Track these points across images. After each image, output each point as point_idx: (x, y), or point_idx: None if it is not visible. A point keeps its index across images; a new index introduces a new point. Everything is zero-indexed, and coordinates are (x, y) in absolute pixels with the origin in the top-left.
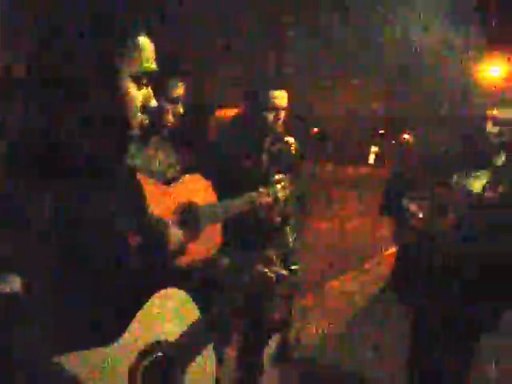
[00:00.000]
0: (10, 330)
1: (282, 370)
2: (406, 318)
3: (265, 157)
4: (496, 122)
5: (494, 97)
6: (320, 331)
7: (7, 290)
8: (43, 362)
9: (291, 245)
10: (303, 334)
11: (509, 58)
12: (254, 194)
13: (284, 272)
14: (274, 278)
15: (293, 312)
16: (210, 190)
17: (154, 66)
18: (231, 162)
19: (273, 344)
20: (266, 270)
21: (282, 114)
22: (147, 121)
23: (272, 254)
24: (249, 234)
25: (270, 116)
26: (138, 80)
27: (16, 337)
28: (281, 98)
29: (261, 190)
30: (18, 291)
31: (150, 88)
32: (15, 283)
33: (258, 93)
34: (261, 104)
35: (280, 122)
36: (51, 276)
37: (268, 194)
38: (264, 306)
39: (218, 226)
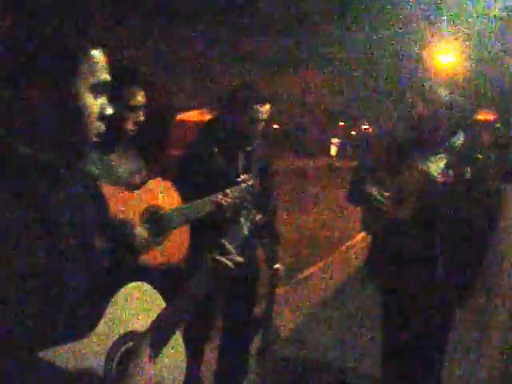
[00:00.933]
0: None
1: (266, 365)
2: (380, 300)
3: (240, 157)
4: (448, 106)
5: (440, 82)
6: (296, 321)
7: None
8: (22, 357)
9: (246, 233)
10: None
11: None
12: (219, 195)
13: (240, 259)
14: (230, 265)
15: (274, 308)
16: (175, 193)
17: (107, 76)
18: (209, 162)
19: (257, 340)
20: (222, 259)
21: (262, 124)
22: (104, 128)
23: (226, 242)
24: (203, 225)
25: (253, 128)
26: (93, 90)
27: None
28: (266, 111)
29: (227, 190)
30: None
31: (105, 97)
32: None
33: (247, 106)
34: (247, 117)
35: (259, 131)
36: (24, 278)
37: (233, 194)
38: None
39: (187, 228)
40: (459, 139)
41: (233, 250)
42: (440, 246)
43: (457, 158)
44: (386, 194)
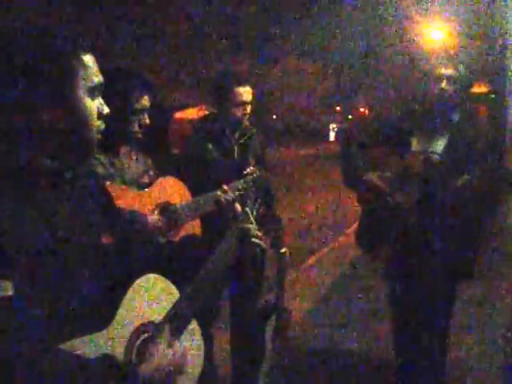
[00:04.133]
0: (6, 331)
1: (281, 348)
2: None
3: (236, 150)
4: (450, 80)
5: (442, 57)
6: (304, 306)
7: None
8: (45, 350)
9: (253, 223)
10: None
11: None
12: (218, 192)
13: (261, 233)
14: (259, 242)
15: (284, 292)
16: (184, 189)
17: (101, 78)
18: (205, 158)
19: (270, 324)
20: (256, 240)
21: (249, 109)
22: (103, 126)
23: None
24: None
25: (238, 111)
26: (90, 93)
27: (15, 334)
28: (247, 93)
29: (224, 186)
30: (12, 295)
31: (100, 97)
32: (7, 288)
33: (226, 90)
34: (229, 101)
35: (247, 115)
36: (41, 277)
37: (241, 186)
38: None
39: (197, 221)
40: (457, 114)
41: (255, 227)
42: (440, 225)
43: (456, 135)
44: (386, 178)
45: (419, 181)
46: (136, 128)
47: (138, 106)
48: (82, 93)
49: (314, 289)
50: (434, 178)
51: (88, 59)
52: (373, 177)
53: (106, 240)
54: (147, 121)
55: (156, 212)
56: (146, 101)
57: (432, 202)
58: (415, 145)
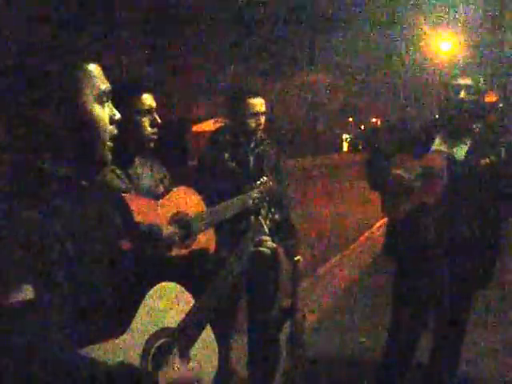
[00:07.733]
0: (25, 335)
1: (296, 353)
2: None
3: (251, 160)
4: (468, 90)
5: (459, 67)
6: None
7: (21, 298)
8: (62, 354)
9: (267, 231)
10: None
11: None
12: (243, 196)
13: (274, 244)
14: (268, 252)
15: (299, 298)
16: (199, 199)
17: (108, 85)
18: (221, 168)
19: (285, 331)
20: (260, 248)
21: (262, 119)
22: (116, 131)
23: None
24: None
25: (252, 122)
26: (99, 100)
27: (33, 337)
28: (260, 104)
29: (249, 193)
30: (31, 299)
31: (110, 103)
32: (28, 292)
33: (239, 101)
34: (243, 112)
35: (261, 126)
36: (60, 282)
37: (253, 196)
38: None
39: (212, 231)
40: (477, 123)
41: (267, 238)
42: (464, 229)
43: (479, 142)
44: (415, 174)
45: (440, 180)
46: (148, 129)
47: (144, 106)
48: (89, 101)
49: (327, 295)
50: (455, 177)
51: (93, 68)
52: (400, 171)
53: (124, 246)
54: (158, 120)
55: (171, 222)
56: (149, 100)
57: (454, 201)
58: (436, 145)
